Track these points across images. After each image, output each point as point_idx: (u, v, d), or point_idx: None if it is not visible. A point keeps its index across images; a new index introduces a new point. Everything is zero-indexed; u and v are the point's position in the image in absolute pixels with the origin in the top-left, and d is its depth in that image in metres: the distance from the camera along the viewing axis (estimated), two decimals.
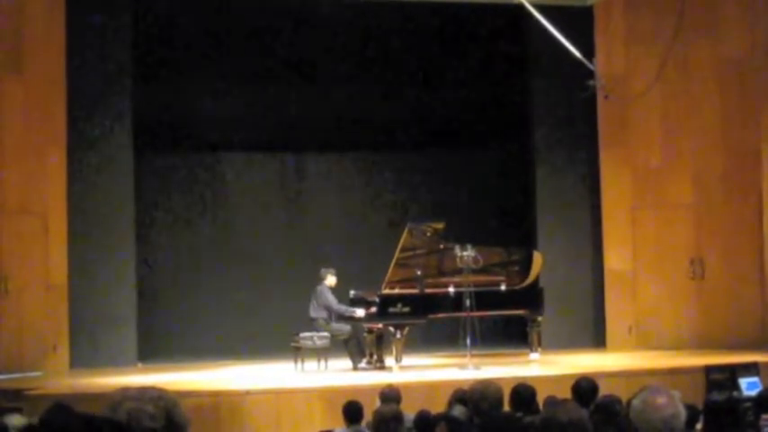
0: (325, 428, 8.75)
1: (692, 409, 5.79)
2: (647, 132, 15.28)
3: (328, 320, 12.71)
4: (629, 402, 5.00)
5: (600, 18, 15.49)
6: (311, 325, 12.67)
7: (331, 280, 12.85)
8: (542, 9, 12.77)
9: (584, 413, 4.18)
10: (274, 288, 16.26)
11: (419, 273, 12.73)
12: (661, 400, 3.88)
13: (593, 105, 15.03)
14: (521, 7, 12.84)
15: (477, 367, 11.83)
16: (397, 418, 6.36)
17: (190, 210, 16.72)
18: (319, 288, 12.79)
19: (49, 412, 5.21)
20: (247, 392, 10.78)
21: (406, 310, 12.26)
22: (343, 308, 12.69)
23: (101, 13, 14.48)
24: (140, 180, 15.15)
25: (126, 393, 2.93)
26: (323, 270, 12.91)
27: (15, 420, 5.54)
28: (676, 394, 3.98)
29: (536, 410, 6.80)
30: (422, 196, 17.05)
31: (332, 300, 12.70)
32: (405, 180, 17.35)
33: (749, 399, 7.97)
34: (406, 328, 12.31)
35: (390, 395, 7.90)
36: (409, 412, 7.23)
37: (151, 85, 15.28)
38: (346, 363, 12.80)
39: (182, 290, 16.26)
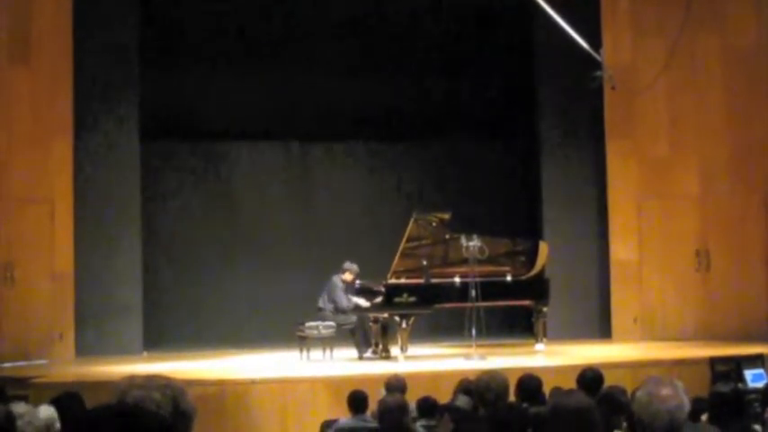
0: (330, 418, 8.75)
1: (697, 402, 5.80)
2: (653, 123, 15.25)
3: (335, 312, 12.72)
4: (633, 393, 5.01)
5: (607, 8, 15.43)
6: (317, 314, 12.70)
7: (348, 275, 12.85)
8: None
9: (592, 402, 4.19)
10: (280, 277, 16.26)
11: (425, 263, 12.73)
12: (665, 391, 3.89)
13: (600, 96, 15.00)
14: None
15: (482, 357, 11.83)
16: (402, 407, 6.36)
17: (196, 198, 16.71)
18: (334, 280, 12.81)
19: (58, 401, 5.23)
20: (253, 381, 10.80)
21: (412, 299, 12.26)
22: (345, 304, 12.68)
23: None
24: (147, 168, 15.18)
25: (133, 381, 2.94)
26: (347, 263, 12.92)
27: (20, 408, 5.55)
28: (679, 384, 3.98)
29: (542, 401, 6.80)
30: (428, 186, 17.02)
31: (340, 297, 12.70)
32: (411, 170, 17.33)
33: (754, 390, 7.98)
34: (412, 318, 12.31)
35: (396, 385, 7.91)
36: (414, 402, 7.25)
37: (158, 73, 15.29)
38: (352, 352, 12.83)
39: (187, 279, 16.26)
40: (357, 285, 12.98)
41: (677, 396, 3.89)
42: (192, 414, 2.98)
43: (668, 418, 3.84)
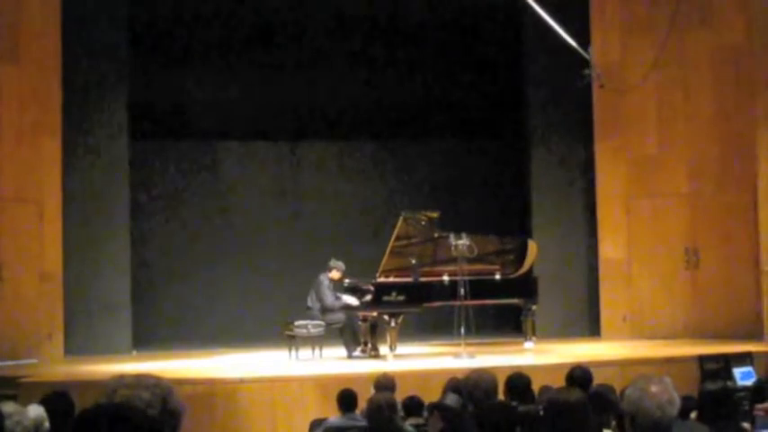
0: (319, 416, 8.75)
1: (687, 400, 5.81)
2: (642, 121, 15.27)
3: (322, 310, 12.70)
4: (622, 391, 5.02)
5: (595, 7, 15.46)
6: (306, 313, 12.67)
7: (335, 273, 12.82)
8: None
9: (585, 397, 4.21)
10: (270, 276, 16.26)
11: (414, 261, 12.71)
12: (655, 388, 3.89)
13: (589, 94, 15.02)
14: None
15: (471, 356, 11.84)
16: (392, 405, 6.37)
17: (185, 198, 16.70)
18: (320, 278, 12.77)
19: (47, 400, 5.21)
20: (242, 380, 10.78)
21: (401, 298, 12.26)
22: (330, 302, 12.63)
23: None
24: (136, 168, 15.16)
25: (121, 381, 2.93)
26: (332, 261, 12.88)
27: (9, 407, 5.53)
28: (669, 381, 3.99)
29: (531, 399, 6.81)
30: (417, 185, 17.04)
31: (326, 295, 12.67)
32: (400, 169, 17.33)
33: (743, 388, 8.01)
34: (401, 317, 12.30)
35: (385, 383, 7.91)
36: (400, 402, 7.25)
37: (147, 72, 15.30)
38: (341, 351, 12.81)
39: (177, 277, 16.25)
40: (346, 284, 12.97)
41: (667, 392, 3.90)
42: (181, 413, 2.98)
43: (658, 414, 3.84)
